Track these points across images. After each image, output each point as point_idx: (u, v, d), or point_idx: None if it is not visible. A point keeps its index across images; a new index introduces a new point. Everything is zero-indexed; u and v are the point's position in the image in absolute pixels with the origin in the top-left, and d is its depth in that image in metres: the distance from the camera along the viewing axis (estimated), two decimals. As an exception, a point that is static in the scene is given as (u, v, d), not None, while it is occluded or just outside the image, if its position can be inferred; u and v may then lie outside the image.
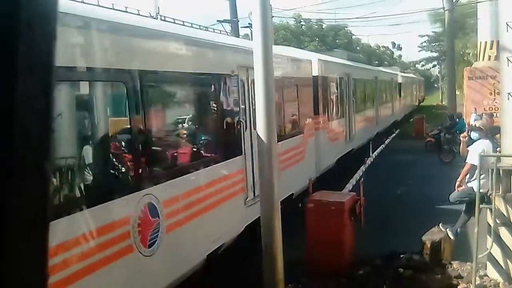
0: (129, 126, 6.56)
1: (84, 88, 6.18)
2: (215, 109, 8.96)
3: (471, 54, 34.55)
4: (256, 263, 7.97)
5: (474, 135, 10.71)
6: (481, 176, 9.09)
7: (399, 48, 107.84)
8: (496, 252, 8.70)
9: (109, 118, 6.56)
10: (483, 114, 18.07)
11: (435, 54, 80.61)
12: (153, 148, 7.14)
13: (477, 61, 23.39)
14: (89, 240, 5.43)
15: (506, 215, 8.61)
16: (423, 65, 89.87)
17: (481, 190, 8.91)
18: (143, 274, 6.37)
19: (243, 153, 9.62)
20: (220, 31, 18.38)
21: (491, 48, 21.05)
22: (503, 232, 8.63)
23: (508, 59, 8.78)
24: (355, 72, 22.30)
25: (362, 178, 13.92)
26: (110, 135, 6.45)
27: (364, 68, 26.96)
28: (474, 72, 21.99)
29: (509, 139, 8.96)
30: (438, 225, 10.29)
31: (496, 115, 15.91)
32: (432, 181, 17.00)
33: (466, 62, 35.20)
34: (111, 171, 6.47)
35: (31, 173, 0.91)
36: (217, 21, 23.48)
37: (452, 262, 9.59)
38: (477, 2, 24.74)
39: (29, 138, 0.90)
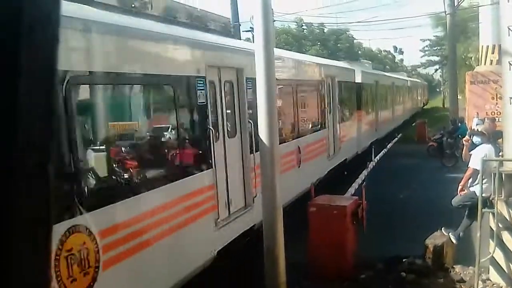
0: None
1: None
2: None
3: (473, 58, 34.53)
4: (258, 266, 7.96)
5: (476, 139, 10.67)
6: (484, 181, 9.08)
7: (401, 52, 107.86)
8: (499, 256, 8.68)
9: None
10: (485, 119, 18.04)
11: (436, 58, 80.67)
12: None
13: (479, 65, 23.37)
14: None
15: (508, 219, 8.60)
16: (424, 69, 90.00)
17: (483, 195, 8.90)
18: None
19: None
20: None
21: (492, 53, 21.03)
22: (506, 236, 8.62)
23: (510, 63, 8.78)
24: (380, 79, 30.20)
25: (364, 182, 13.90)
26: None
27: (386, 75, 35.58)
28: (476, 77, 21.97)
29: (511, 144, 8.95)
30: (441, 229, 10.27)
31: (498, 119, 15.87)
32: (435, 185, 16.98)
33: (468, 66, 35.18)
34: None
35: (34, 175, 0.91)
36: (219, 25, 23.50)
37: (454, 266, 9.57)
38: (478, 6, 24.74)
39: (32, 139, 0.90)
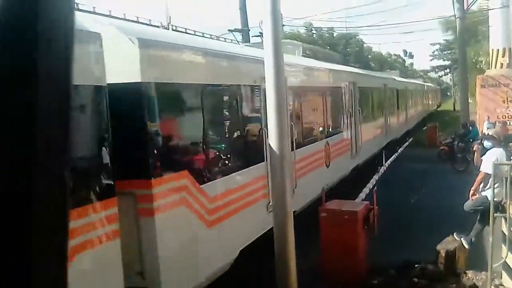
0: None
1: None
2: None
3: (483, 62, 34.41)
4: (270, 270, 7.95)
5: (487, 143, 10.62)
6: (495, 185, 9.02)
7: (411, 56, 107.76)
8: (512, 261, 8.62)
9: None
10: (496, 122, 17.97)
11: (447, 62, 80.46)
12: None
13: (489, 69, 23.29)
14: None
15: (521, 224, 8.53)
16: (436, 73, 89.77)
17: (495, 199, 8.85)
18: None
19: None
20: (231, 40, 18.46)
21: (503, 56, 20.94)
22: (518, 241, 8.55)
23: (521, 67, 8.75)
24: (409, 85, 40.23)
25: (375, 187, 13.87)
26: None
27: (412, 82, 46.56)
28: (487, 80, 21.88)
29: (523, 147, 8.90)
30: (453, 235, 10.22)
31: (510, 123, 15.80)
32: (446, 190, 16.89)
33: (479, 70, 35.06)
34: None
35: (51, 181, 0.92)
36: (228, 30, 23.59)
37: (467, 271, 9.50)
38: (488, 10, 24.64)
39: (49, 146, 0.91)
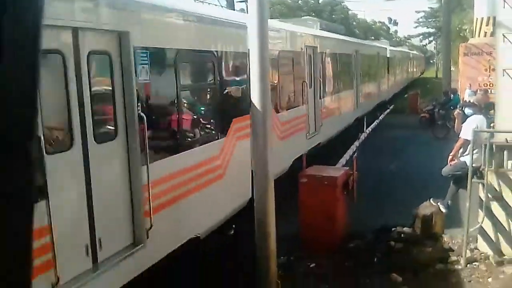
0: None
1: None
2: None
3: (467, 30, 34.41)
4: (249, 237, 8.04)
5: (468, 110, 10.72)
6: (474, 151, 9.15)
7: (395, 24, 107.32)
8: (487, 226, 8.80)
9: None
10: (478, 90, 18.07)
11: (431, 30, 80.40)
12: None
13: (473, 37, 23.30)
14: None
15: (498, 190, 8.69)
16: (421, 41, 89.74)
17: (474, 165, 8.97)
18: None
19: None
20: (215, 5, 18.27)
21: (487, 25, 20.95)
22: (495, 206, 8.72)
23: (504, 36, 8.77)
24: (399, 53, 47.87)
25: (355, 153, 13.97)
26: None
27: (402, 51, 55.79)
28: (470, 48, 21.91)
29: (503, 115, 9.00)
30: (429, 200, 10.38)
31: (491, 91, 15.91)
32: (425, 156, 17.08)
33: (462, 38, 35.04)
34: None
35: (14, 153, 0.90)
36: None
37: (443, 235, 9.69)
38: (474, -23, 24.54)
39: (11, 117, 0.89)
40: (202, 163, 8.05)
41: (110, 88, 6.15)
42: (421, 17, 79.92)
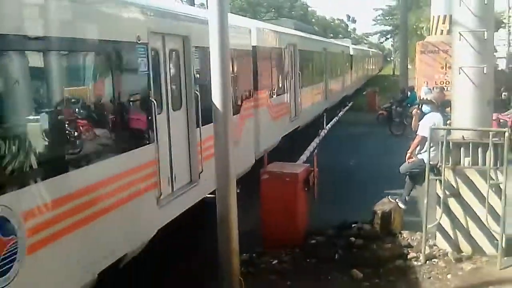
0: None
1: None
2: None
3: (424, 28, 34.99)
4: (212, 233, 7.99)
5: (425, 108, 10.89)
6: (432, 149, 9.27)
7: (354, 21, 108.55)
8: (445, 223, 8.94)
9: None
10: (434, 88, 18.40)
11: (388, 28, 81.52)
12: None
13: (429, 35, 23.69)
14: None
15: (455, 186, 8.83)
16: (378, 39, 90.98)
17: (431, 162, 9.10)
18: None
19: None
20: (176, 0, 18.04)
21: (443, 23, 21.33)
22: (452, 203, 8.87)
23: (460, 34, 8.91)
24: (360, 51, 52.13)
25: (316, 150, 14.05)
26: None
27: (361, 49, 57.50)
28: (427, 46, 22.28)
29: (459, 113, 9.16)
30: (388, 196, 10.51)
31: (447, 88, 16.22)
32: (383, 153, 17.32)
33: (419, 36, 35.68)
34: None
35: None
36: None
37: (402, 231, 9.81)
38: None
39: None
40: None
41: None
42: (379, 15, 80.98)
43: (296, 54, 18.46)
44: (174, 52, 8.95)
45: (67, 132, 6.09)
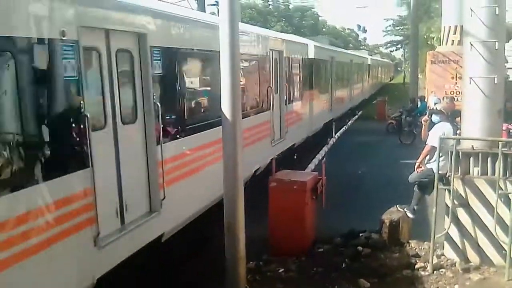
0: None
1: None
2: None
3: (435, 38, 34.89)
4: (218, 241, 7.99)
5: (435, 118, 10.85)
6: (441, 158, 9.25)
7: (364, 31, 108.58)
8: (454, 233, 8.90)
9: None
10: (444, 98, 18.33)
11: (399, 38, 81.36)
12: None
13: (440, 45, 23.64)
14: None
15: (464, 196, 8.79)
16: (387, 48, 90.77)
17: (440, 172, 9.07)
18: None
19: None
20: (186, 7, 18.10)
21: (454, 33, 21.27)
22: (461, 213, 8.82)
23: (471, 44, 8.90)
24: (376, 61, 58.81)
25: (324, 158, 14.03)
26: None
27: (377, 59, 63.10)
28: (437, 56, 22.20)
29: (469, 123, 9.13)
30: (396, 206, 10.47)
31: (457, 99, 16.17)
32: (393, 162, 17.26)
33: (430, 46, 35.55)
34: None
35: None
36: (183, -4, 23.10)
37: (410, 241, 9.77)
38: (442, -13, 24.90)
39: None
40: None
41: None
42: (390, 25, 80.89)
43: (333, 65, 25.49)
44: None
45: None
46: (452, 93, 20.45)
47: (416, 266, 8.83)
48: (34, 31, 5.37)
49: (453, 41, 21.41)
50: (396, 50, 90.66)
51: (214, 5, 24.74)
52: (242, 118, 7.83)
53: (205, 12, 22.64)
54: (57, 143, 5.64)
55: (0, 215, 4.82)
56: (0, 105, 4.94)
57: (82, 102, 5.98)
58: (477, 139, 8.89)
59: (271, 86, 13.80)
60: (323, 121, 22.29)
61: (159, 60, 7.82)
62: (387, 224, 9.81)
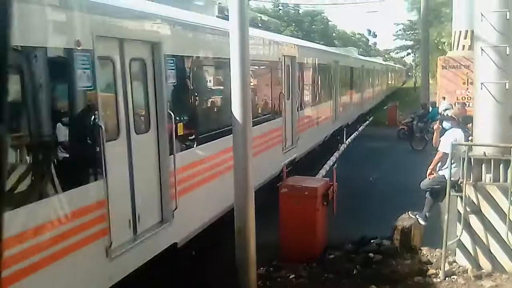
0: None
1: None
2: None
3: (445, 43, 34.77)
4: (229, 246, 7.98)
5: (446, 124, 10.79)
6: (453, 165, 9.19)
7: (374, 36, 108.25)
8: (466, 240, 8.84)
9: None
10: (455, 103, 18.22)
11: (409, 43, 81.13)
12: None
13: (451, 50, 23.54)
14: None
15: (476, 203, 8.74)
16: (397, 53, 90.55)
17: (452, 178, 9.02)
18: None
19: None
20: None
21: (465, 38, 21.17)
22: (473, 219, 8.77)
23: (482, 49, 8.86)
24: (389, 67, 64.25)
25: (335, 164, 13.99)
26: None
27: (390, 65, 68.77)
28: (448, 61, 22.11)
29: (481, 129, 9.08)
30: (408, 212, 10.42)
31: (469, 104, 16.07)
32: (404, 168, 17.18)
33: (441, 51, 35.43)
34: None
35: None
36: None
37: (422, 248, 9.73)
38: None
39: None
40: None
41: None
42: (400, 30, 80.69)
43: (363, 71, 34.22)
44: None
45: None
46: (463, 98, 20.32)
47: (428, 273, 8.79)
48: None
49: (464, 46, 21.31)
50: (407, 55, 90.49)
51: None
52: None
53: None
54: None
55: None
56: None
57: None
58: (489, 145, 8.84)
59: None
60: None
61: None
62: (399, 230, 9.77)
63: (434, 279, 8.60)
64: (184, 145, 8.21)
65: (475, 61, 9.31)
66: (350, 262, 9.29)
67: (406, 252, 9.54)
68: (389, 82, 64.64)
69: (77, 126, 5.82)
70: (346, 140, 24.03)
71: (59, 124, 5.50)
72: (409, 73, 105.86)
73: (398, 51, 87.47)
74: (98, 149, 5.97)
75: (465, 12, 19.90)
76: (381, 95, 49.61)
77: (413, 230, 9.82)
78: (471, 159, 8.76)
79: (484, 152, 8.79)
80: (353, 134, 26.94)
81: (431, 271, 8.83)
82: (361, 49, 78.84)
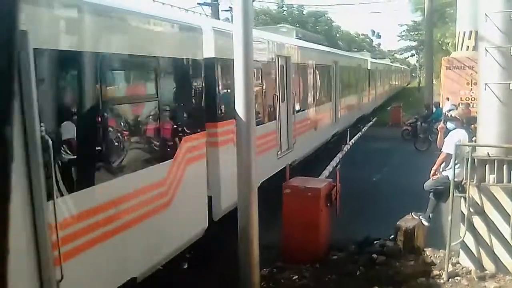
0: None
1: None
2: None
3: (449, 44, 34.75)
4: (233, 247, 7.98)
5: (450, 125, 10.78)
6: (456, 166, 9.18)
7: (378, 36, 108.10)
8: (469, 241, 8.82)
9: None
10: (459, 104, 18.20)
11: (413, 43, 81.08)
12: None
13: (455, 51, 23.52)
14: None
15: (479, 204, 8.72)
16: (401, 54, 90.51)
17: (456, 179, 9.00)
18: None
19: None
20: (200, 14, 18.23)
21: (469, 38, 21.17)
22: (476, 220, 8.75)
23: (486, 50, 8.84)
24: (396, 68, 70.56)
25: (339, 165, 13.99)
26: None
27: (397, 66, 76.20)
28: (452, 62, 22.12)
29: (485, 129, 9.05)
30: (411, 213, 10.41)
31: (473, 105, 16.05)
32: (408, 169, 17.16)
33: (445, 52, 35.42)
34: None
35: None
36: (197, 3, 23.25)
37: (425, 249, 9.71)
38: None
39: None
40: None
41: None
42: (404, 31, 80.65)
43: (376, 72, 39.50)
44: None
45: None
46: (467, 99, 20.33)
47: (431, 274, 8.77)
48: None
49: (468, 46, 21.32)
50: (411, 56, 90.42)
51: (228, 10, 24.87)
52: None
53: (219, 19, 22.76)
54: None
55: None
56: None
57: None
58: (493, 146, 8.82)
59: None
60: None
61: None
62: (402, 231, 9.75)
63: (438, 280, 8.58)
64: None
65: (479, 61, 9.29)
66: (354, 263, 9.28)
67: (409, 253, 9.52)
68: (396, 82, 67.74)
69: None
70: (349, 140, 24.01)
71: None
72: (413, 74, 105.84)
73: (402, 52, 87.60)
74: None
75: (469, 13, 19.92)
76: (389, 94, 53.09)
77: (416, 231, 9.80)
78: (474, 159, 8.74)
79: (488, 153, 8.77)
80: (357, 135, 26.91)
81: (435, 272, 8.82)
82: (365, 50, 78.90)
